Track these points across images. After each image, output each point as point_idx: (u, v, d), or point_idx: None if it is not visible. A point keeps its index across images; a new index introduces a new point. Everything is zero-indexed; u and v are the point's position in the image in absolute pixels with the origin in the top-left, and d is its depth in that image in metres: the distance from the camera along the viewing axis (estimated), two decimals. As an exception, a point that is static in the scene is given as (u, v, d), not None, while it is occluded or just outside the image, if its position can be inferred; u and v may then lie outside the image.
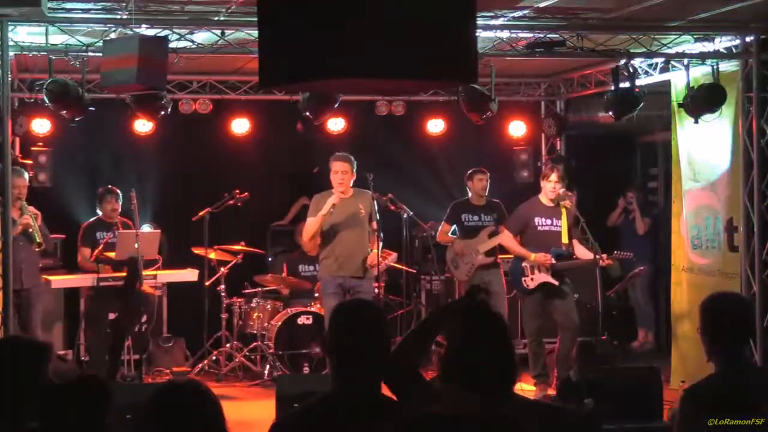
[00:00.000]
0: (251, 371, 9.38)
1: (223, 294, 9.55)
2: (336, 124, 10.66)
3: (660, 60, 8.79)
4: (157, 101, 7.80)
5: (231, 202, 9.61)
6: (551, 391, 8.29)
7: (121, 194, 9.05)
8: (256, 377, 9.26)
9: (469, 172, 9.18)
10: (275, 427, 3.04)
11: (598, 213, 10.81)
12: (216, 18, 7.40)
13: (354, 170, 8.14)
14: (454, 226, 9.11)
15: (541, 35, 8.02)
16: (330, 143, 10.37)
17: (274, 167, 10.89)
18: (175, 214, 10.18)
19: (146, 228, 9.58)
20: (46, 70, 7.60)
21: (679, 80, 8.65)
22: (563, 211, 8.37)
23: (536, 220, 8.44)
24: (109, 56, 7.09)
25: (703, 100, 8.15)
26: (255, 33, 6.94)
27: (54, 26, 7.29)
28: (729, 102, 8.12)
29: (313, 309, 9.23)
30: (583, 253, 8.39)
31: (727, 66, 8.29)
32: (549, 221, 8.42)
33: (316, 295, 9.09)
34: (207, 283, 9.57)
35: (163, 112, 7.96)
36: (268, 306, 9.54)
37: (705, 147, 8.55)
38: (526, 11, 7.44)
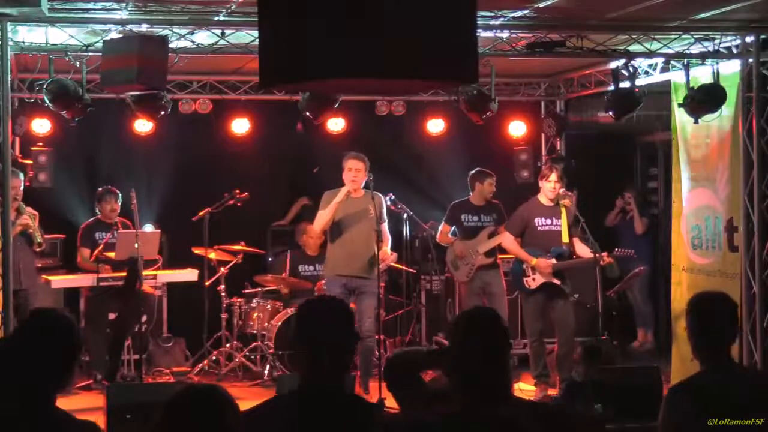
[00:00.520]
0: (251, 371, 9.38)
1: (223, 294, 9.55)
2: (336, 124, 10.66)
3: (660, 60, 8.78)
4: (157, 101, 7.80)
5: (231, 202, 9.61)
6: (552, 391, 8.30)
7: (120, 194, 9.06)
8: (256, 377, 9.26)
9: (476, 171, 9.07)
10: (244, 416, 3.06)
11: (598, 213, 10.82)
12: (216, 18, 7.39)
13: (367, 170, 8.14)
14: (454, 227, 9.10)
15: (541, 35, 8.02)
16: (330, 143, 10.38)
17: (274, 167, 10.90)
18: (175, 214, 10.18)
19: (149, 228, 9.59)
20: (46, 70, 7.60)
21: (679, 80, 8.65)
22: (563, 210, 8.37)
23: (536, 220, 8.45)
24: (109, 56, 7.09)
25: (703, 100, 8.14)
26: (255, 33, 6.97)
27: (54, 26, 7.29)
28: (729, 102, 8.11)
29: (313, 309, 9.21)
30: (583, 251, 8.40)
31: (727, 66, 8.29)
32: (549, 221, 8.42)
33: (316, 294, 9.09)
34: (207, 283, 9.57)
35: (163, 112, 7.96)
36: (268, 306, 9.54)
37: (705, 147, 8.55)
38: (526, 11, 7.44)
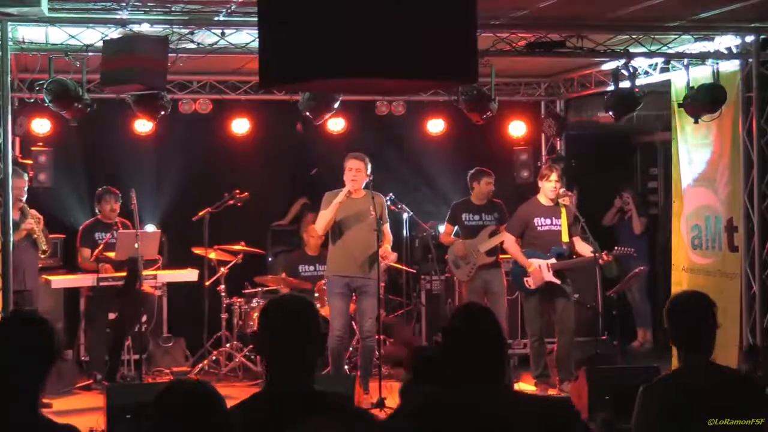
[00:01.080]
0: (251, 371, 9.37)
1: (223, 294, 9.55)
2: (336, 124, 10.66)
3: (660, 60, 8.79)
4: (157, 101, 7.80)
5: (231, 202, 9.62)
6: (552, 392, 8.30)
7: (120, 195, 9.06)
8: (256, 377, 9.25)
9: (474, 171, 9.05)
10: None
11: (598, 213, 10.83)
12: (216, 18, 7.39)
13: (368, 171, 8.13)
14: (457, 227, 9.12)
15: (541, 35, 8.02)
16: (330, 143, 10.38)
17: (274, 167, 10.89)
18: (175, 214, 10.18)
19: (151, 228, 9.59)
20: (46, 70, 7.60)
21: (679, 80, 8.65)
22: (563, 210, 8.38)
23: (536, 220, 8.45)
24: (109, 56, 7.09)
25: (703, 100, 8.15)
26: (255, 33, 6.98)
27: (54, 26, 7.29)
28: (729, 102, 8.11)
29: (313, 309, 9.21)
30: (583, 249, 8.40)
31: (727, 66, 8.29)
32: (549, 221, 8.43)
33: (316, 295, 9.09)
34: (207, 283, 9.57)
35: (163, 112, 7.96)
36: (268, 306, 9.52)
37: (705, 147, 8.56)
38: (526, 11, 7.44)
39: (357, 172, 8.10)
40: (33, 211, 8.31)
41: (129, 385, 8.40)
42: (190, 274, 9.38)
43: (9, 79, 7.27)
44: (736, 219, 8.23)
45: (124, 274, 8.67)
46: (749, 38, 8.08)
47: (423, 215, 10.01)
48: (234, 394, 8.72)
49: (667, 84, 8.95)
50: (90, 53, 7.54)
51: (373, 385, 8.00)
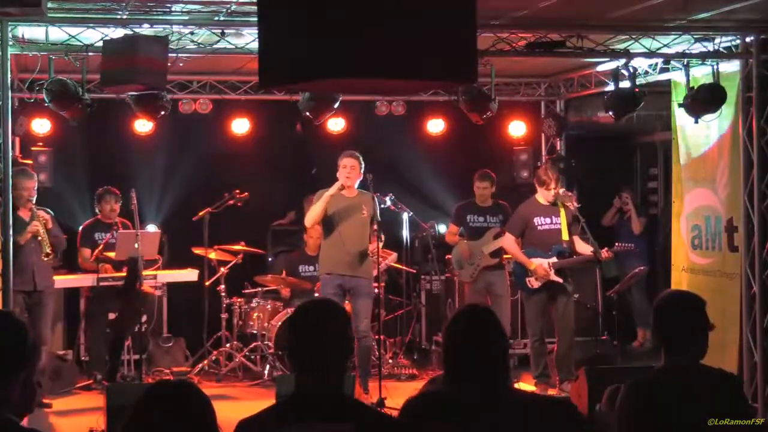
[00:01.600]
0: (251, 371, 9.38)
1: (223, 294, 9.55)
2: (336, 124, 10.66)
3: (660, 60, 8.78)
4: (157, 101, 7.80)
5: (231, 202, 9.62)
6: (552, 392, 8.30)
7: (120, 195, 9.06)
8: (256, 377, 9.26)
9: (476, 173, 9.16)
10: (240, 425, 3.06)
11: (598, 213, 10.83)
12: (216, 18, 7.39)
13: (362, 170, 8.15)
14: (462, 228, 9.13)
15: (541, 35, 8.02)
16: (330, 143, 10.38)
17: (274, 167, 10.89)
18: (175, 214, 10.18)
19: (152, 228, 9.58)
20: (46, 70, 7.60)
21: (679, 80, 8.65)
22: (561, 208, 8.39)
23: (536, 220, 8.46)
24: (109, 56, 7.09)
25: (703, 100, 8.14)
26: (255, 33, 6.97)
27: (54, 26, 7.29)
28: (729, 102, 8.11)
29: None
30: (583, 247, 8.41)
31: (727, 66, 8.29)
32: (548, 220, 8.44)
33: (316, 294, 9.09)
34: (207, 283, 9.57)
35: (163, 112, 7.96)
36: (268, 306, 9.54)
37: (705, 147, 8.56)
38: (526, 11, 7.44)
39: (351, 169, 8.12)
40: (41, 212, 8.29)
41: (129, 385, 8.39)
42: (190, 274, 9.39)
43: (9, 79, 7.26)
44: (736, 219, 8.22)
45: (124, 274, 8.68)
46: (749, 38, 8.08)
47: (423, 215, 10.01)
48: (234, 394, 8.74)
49: (667, 84, 8.95)
50: (90, 53, 7.53)
51: (373, 385, 8.00)
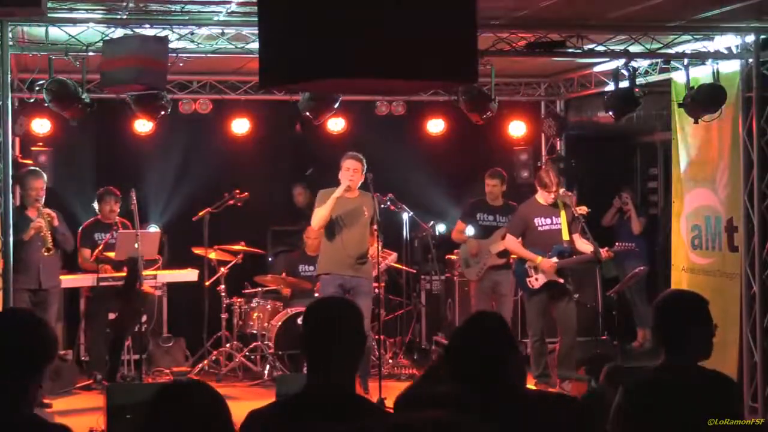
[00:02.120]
0: (251, 371, 9.38)
1: (223, 294, 9.55)
2: (336, 124, 10.66)
3: (660, 60, 8.78)
4: (157, 101, 7.79)
5: (231, 202, 9.62)
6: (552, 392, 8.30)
7: (120, 195, 9.06)
8: (256, 377, 9.26)
9: (487, 171, 9.26)
10: (251, 415, 3.06)
11: (598, 213, 10.82)
12: (216, 18, 7.39)
13: (364, 172, 8.17)
14: (469, 225, 9.15)
15: (541, 35, 8.02)
16: (330, 143, 10.38)
17: (274, 167, 10.90)
18: (175, 214, 10.18)
19: (153, 228, 9.59)
20: (46, 70, 7.60)
21: (679, 80, 8.65)
22: (561, 208, 8.40)
23: (536, 220, 8.46)
24: (109, 56, 7.09)
25: (703, 100, 8.14)
26: (255, 33, 6.97)
27: (54, 26, 7.29)
28: (729, 102, 8.11)
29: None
30: (584, 247, 8.42)
31: (727, 66, 8.29)
32: (548, 220, 8.45)
33: (316, 294, 9.09)
34: (207, 283, 9.57)
35: (163, 112, 7.96)
36: (268, 306, 9.54)
37: (705, 147, 8.55)
38: (525, 11, 7.44)
39: (354, 172, 8.13)
40: (46, 210, 8.35)
41: (129, 385, 8.40)
42: (190, 274, 9.39)
43: (9, 79, 7.26)
44: (736, 219, 8.22)
45: (124, 274, 8.68)
46: (749, 38, 8.07)
47: (423, 215, 10.01)
48: (234, 394, 8.73)
49: (667, 84, 8.95)
50: (90, 53, 7.53)
51: (373, 385, 8.00)
